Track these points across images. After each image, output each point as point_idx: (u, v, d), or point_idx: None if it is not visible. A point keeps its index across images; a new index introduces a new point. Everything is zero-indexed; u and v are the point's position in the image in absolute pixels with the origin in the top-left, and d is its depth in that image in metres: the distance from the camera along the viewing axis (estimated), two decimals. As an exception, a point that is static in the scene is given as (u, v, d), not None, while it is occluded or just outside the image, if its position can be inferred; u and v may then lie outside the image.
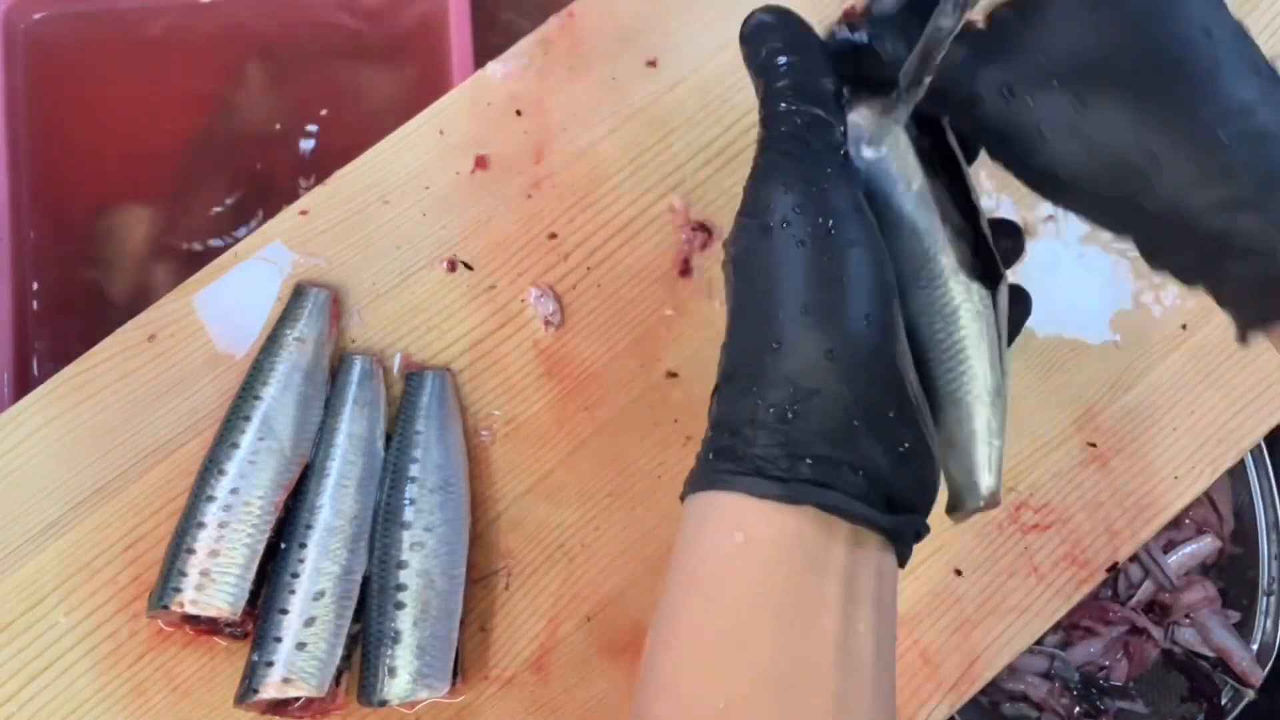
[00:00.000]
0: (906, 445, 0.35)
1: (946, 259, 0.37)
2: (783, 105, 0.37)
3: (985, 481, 0.37)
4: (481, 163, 0.61)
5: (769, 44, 0.38)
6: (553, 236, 0.61)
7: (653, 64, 0.63)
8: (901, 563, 0.37)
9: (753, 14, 0.39)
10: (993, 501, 0.38)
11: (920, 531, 0.37)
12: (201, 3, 0.81)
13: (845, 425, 0.34)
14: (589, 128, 0.62)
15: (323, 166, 0.62)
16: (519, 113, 0.63)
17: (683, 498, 0.37)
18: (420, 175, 0.62)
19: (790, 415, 0.34)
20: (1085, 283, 0.62)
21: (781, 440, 0.34)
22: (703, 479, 0.36)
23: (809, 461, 0.34)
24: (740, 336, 0.36)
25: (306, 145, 0.79)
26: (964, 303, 0.37)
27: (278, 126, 0.80)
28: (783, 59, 0.37)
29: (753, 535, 0.34)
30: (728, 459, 0.35)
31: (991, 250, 0.38)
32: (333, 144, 0.78)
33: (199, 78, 0.80)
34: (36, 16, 0.79)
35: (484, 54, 0.70)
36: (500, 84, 0.63)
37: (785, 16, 0.38)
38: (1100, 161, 0.35)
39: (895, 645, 0.37)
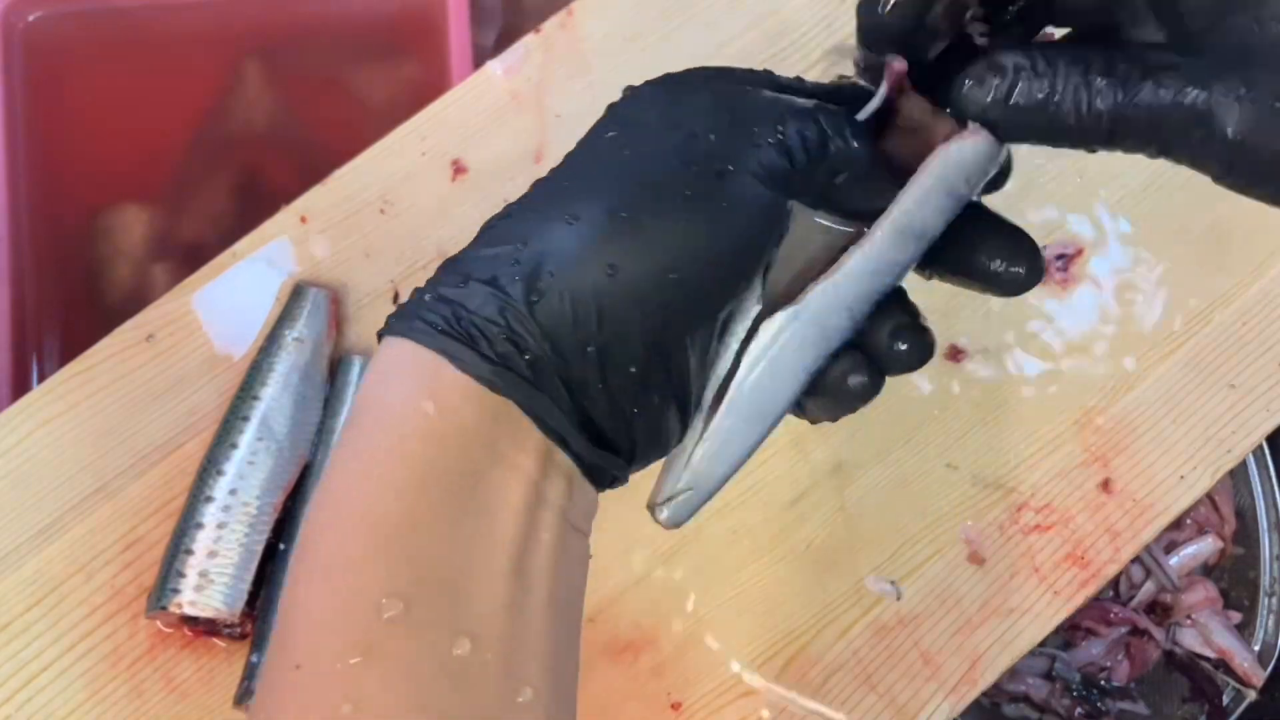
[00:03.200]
0: (636, 411, 0.32)
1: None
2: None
3: (661, 491, 0.34)
4: (460, 168, 0.61)
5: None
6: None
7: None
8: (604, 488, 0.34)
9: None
10: (663, 522, 0.34)
11: (617, 478, 0.34)
12: (201, 3, 0.81)
13: (579, 347, 0.30)
14: (589, 127, 0.62)
15: (322, 166, 0.62)
16: (519, 112, 0.62)
17: (380, 334, 0.32)
18: (420, 175, 0.61)
19: (533, 300, 0.30)
20: (1077, 287, 0.62)
21: (510, 322, 0.30)
22: (406, 322, 0.31)
23: (528, 357, 0.30)
24: (554, 182, 0.32)
25: (306, 145, 0.79)
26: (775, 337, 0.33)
27: (277, 126, 0.79)
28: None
29: (445, 408, 0.30)
30: (444, 312, 0.30)
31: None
32: (333, 144, 0.78)
33: (199, 78, 0.80)
34: (35, 16, 0.79)
35: (484, 53, 0.70)
36: (500, 83, 0.63)
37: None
38: None
39: (585, 570, 0.34)
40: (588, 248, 0.30)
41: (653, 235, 0.31)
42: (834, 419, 0.36)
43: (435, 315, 0.30)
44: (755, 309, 0.33)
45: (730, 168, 0.31)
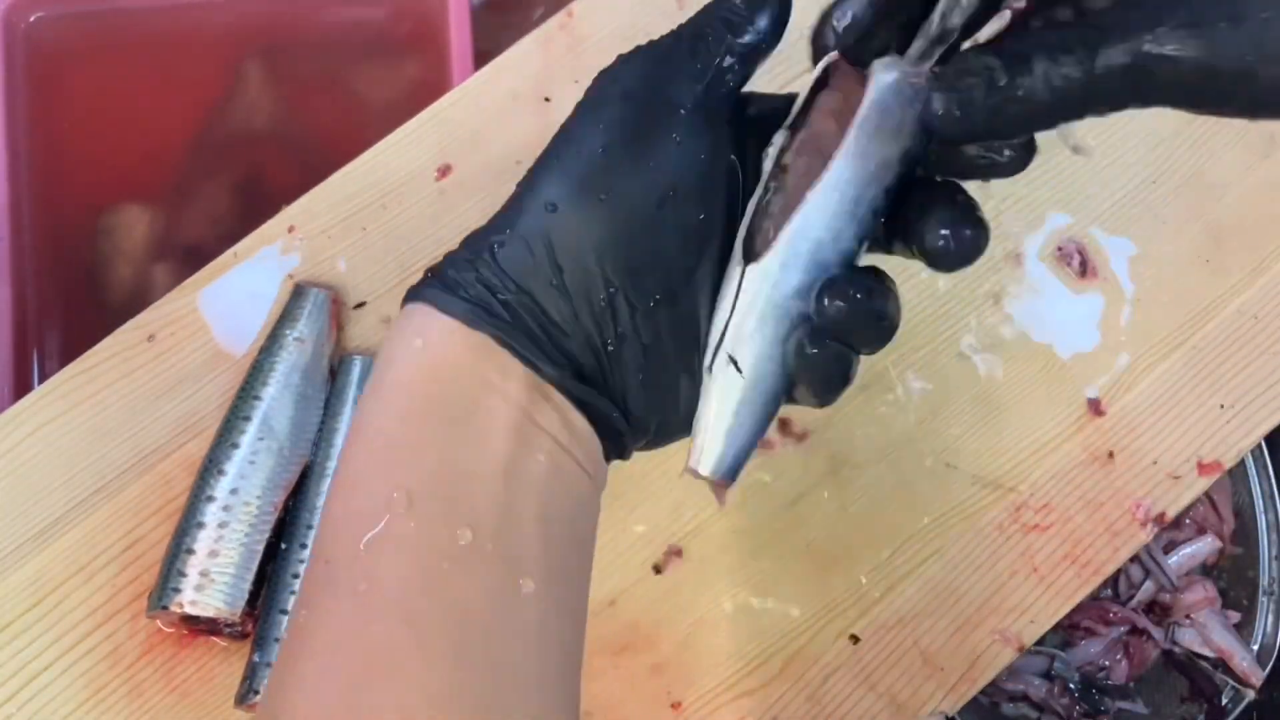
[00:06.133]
0: (610, 345, 0.35)
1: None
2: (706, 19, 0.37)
3: (696, 458, 0.37)
4: (444, 171, 0.61)
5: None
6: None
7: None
8: (617, 453, 0.38)
9: None
10: (714, 485, 0.37)
11: (622, 435, 0.37)
12: (202, 3, 0.81)
13: (544, 282, 0.35)
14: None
15: (323, 166, 0.62)
16: (518, 113, 0.63)
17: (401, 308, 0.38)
18: (420, 175, 0.62)
19: (497, 250, 0.35)
20: (1079, 286, 0.62)
21: (482, 271, 0.35)
22: (412, 293, 0.36)
23: (502, 298, 0.35)
24: (521, 185, 0.37)
25: (307, 145, 0.79)
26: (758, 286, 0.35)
27: (278, 126, 0.79)
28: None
29: (430, 343, 0.35)
30: (437, 278, 0.36)
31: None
32: (333, 144, 0.78)
33: (199, 78, 0.80)
34: (36, 16, 0.79)
35: (484, 54, 0.70)
36: (500, 84, 0.63)
37: None
38: None
39: (586, 509, 0.37)
40: (531, 201, 0.35)
41: (583, 175, 0.35)
42: (822, 393, 0.37)
43: (431, 282, 0.36)
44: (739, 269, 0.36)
45: (640, 119, 0.36)
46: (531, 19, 0.70)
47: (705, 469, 0.36)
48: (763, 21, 0.37)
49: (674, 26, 0.38)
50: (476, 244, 0.36)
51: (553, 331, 0.35)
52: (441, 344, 0.35)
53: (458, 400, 0.34)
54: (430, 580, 0.32)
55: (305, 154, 0.79)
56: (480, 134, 0.62)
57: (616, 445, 0.38)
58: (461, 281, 0.35)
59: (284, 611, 0.52)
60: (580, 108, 0.37)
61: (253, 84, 0.80)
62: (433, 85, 0.77)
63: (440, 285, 0.35)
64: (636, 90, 0.36)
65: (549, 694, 0.34)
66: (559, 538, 0.35)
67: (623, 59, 0.37)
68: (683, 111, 0.36)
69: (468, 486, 0.33)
